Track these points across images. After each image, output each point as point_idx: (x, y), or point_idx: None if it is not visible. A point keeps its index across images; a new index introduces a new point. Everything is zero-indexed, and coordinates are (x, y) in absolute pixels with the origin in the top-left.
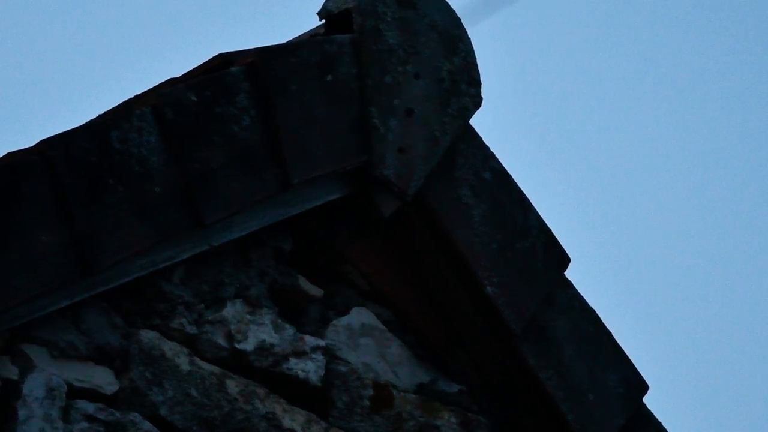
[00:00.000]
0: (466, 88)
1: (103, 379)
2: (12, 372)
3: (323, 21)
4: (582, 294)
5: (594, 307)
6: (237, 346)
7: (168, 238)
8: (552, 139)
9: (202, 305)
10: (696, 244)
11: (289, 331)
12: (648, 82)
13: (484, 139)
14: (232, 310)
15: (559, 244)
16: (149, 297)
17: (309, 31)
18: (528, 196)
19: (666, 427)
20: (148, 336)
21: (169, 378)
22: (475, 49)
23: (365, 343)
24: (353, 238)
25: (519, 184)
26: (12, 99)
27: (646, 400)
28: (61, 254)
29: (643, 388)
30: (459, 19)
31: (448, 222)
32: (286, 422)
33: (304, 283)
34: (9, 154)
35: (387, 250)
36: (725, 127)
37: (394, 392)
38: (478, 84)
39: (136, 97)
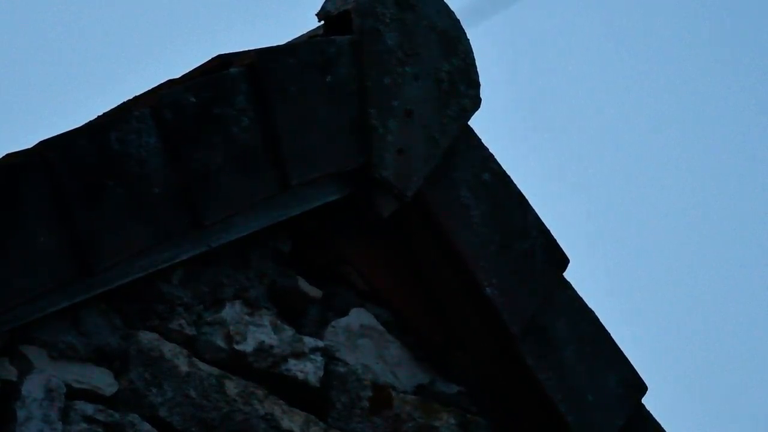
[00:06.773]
0: (465, 89)
1: (102, 380)
2: (11, 373)
3: (322, 22)
4: (581, 295)
5: (593, 308)
6: (236, 347)
7: (167, 240)
8: (551, 140)
9: (201, 306)
10: (695, 245)
11: (288, 332)
12: (647, 83)
13: (483, 140)
14: (231, 312)
15: (558, 245)
16: (148, 298)
17: (308, 32)
18: (527, 197)
19: (665, 427)
20: (147, 337)
21: (168, 379)
22: (473, 50)
23: (364, 344)
24: (352, 239)
25: (518, 185)
26: (11, 100)
27: (645, 400)
28: (60, 255)
29: (642, 388)
30: (458, 20)
31: (447, 223)
32: (285, 423)
33: (303, 284)
34: (8, 155)
35: (386, 251)
36: (725, 128)
37: (393, 393)
38: (477, 85)
39: (135, 98)
